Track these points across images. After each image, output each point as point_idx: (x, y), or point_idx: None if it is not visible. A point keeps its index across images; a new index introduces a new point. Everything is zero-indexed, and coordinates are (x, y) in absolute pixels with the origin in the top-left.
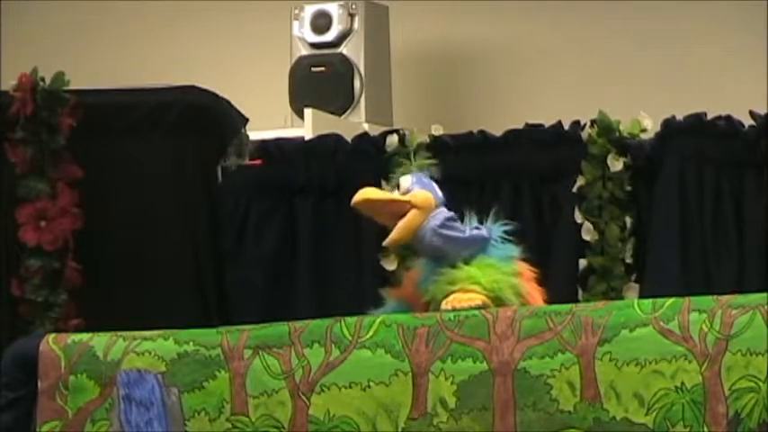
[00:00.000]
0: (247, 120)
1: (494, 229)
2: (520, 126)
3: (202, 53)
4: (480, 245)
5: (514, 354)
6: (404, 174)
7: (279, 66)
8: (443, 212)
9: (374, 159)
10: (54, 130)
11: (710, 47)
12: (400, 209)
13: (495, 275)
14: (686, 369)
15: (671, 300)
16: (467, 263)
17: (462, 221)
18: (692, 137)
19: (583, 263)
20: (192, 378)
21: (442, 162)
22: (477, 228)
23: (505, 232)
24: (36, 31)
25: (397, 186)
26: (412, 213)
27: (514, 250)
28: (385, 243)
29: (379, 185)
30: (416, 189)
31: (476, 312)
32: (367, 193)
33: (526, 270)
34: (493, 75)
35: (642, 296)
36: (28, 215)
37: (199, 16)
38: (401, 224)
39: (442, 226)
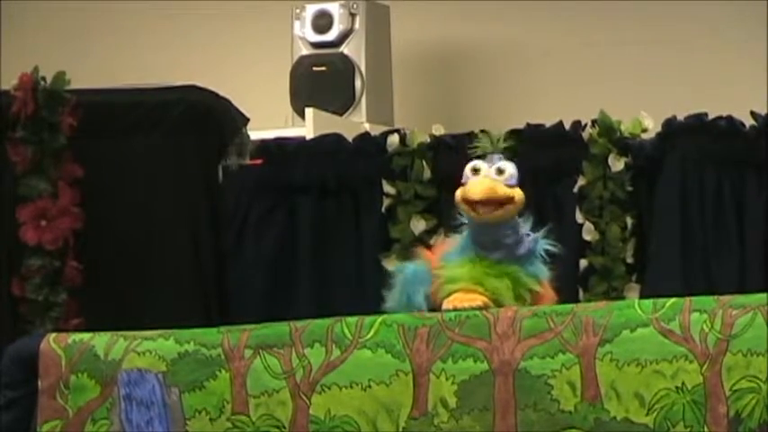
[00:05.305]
0: (248, 119)
1: (540, 242)
2: (520, 126)
3: (202, 53)
4: (526, 256)
5: (515, 354)
6: (485, 149)
7: (280, 65)
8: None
9: (375, 159)
10: (55, 129)
11: (711, 47)
12: (501, 195)
13: (496, 283)
14: (687, 369)
15: (672, 300)
16: (495, 260)
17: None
18: (693, 137)
19: (584, 263)
20: (192, 378)
21: (441, 162)
22: (528, 234)
23: (546, 252)
24: (36, 31)
25: (499, 171)
26: (514, 208)
27: (545, 272)
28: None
29: (380, 185)
30: (515, 184)
31: (477, 312)
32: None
33: (547, 294)
34: (493, 75)
35: (643, 296)
36: (28, 214)
37: (199, 16)
38: (500, 216)
39: (525, 236)
